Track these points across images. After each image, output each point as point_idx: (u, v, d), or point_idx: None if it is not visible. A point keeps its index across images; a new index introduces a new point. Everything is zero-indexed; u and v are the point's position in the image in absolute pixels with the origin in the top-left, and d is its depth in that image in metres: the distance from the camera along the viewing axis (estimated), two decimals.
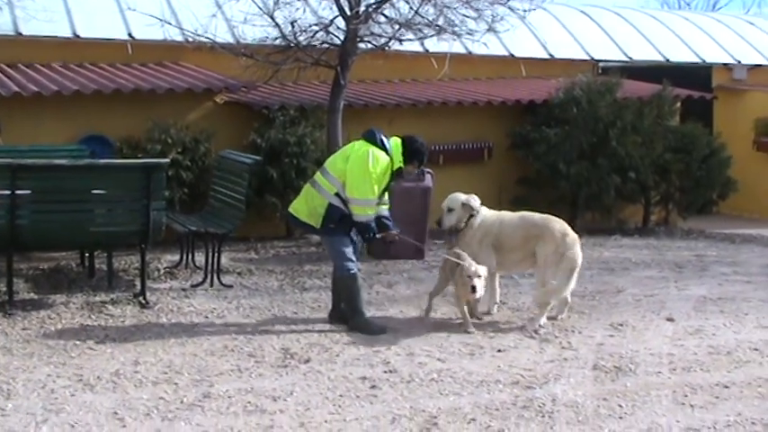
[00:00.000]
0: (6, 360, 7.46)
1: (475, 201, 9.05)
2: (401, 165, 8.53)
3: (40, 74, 13.08)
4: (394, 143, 8.56)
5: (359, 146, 8.49)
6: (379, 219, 8.58)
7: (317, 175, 8.67)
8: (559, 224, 8.88)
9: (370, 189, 8.32)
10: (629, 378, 7.30)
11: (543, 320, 8.72)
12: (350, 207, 8.37)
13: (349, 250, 8.53)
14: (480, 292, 8.43)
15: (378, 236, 8.59)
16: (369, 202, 8.37)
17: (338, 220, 8.42)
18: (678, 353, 7.99)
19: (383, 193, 8.58)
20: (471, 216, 8.97)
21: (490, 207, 9.26)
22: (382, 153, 8.42)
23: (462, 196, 9.05)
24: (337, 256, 8.55)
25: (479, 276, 8.38)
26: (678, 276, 11.32)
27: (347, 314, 8.58)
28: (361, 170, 8.30)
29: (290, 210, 8.85)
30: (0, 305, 8.99)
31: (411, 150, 8.57)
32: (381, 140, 8.50)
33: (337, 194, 8.41)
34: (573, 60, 17.58)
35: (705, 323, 9.00)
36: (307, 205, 8.61)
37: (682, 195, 15.72)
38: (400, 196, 11.54)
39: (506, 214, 9.12)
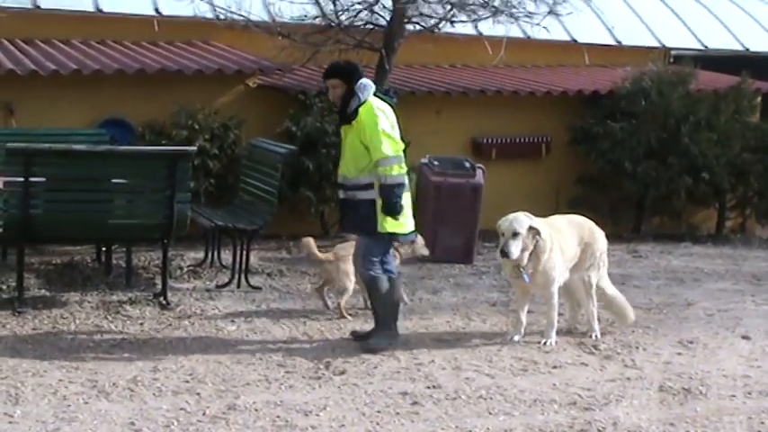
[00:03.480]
0: (15, 362, 7.50)
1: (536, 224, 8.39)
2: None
3: (58, 51, 13.16)
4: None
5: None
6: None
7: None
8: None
9: (396, 141, 8.09)
10: (699, 402, 7.22)
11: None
12: (383, 171, 7.99)
13: None
14: None
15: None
16: (399, 158, 8.07)
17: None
18: (755, 375, 7.90)
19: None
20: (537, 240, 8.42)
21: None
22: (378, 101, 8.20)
23: (527, 219, 8.37)
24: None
25: None
26: (755, 290, 11.19)
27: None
28: (378, 127, 8.05)
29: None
30: (9, 302, 9.07)
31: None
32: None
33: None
34: (642, 47, 17.39)
35: None
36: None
37: (761, 200, 15.55)
38: (448, 194, 11.58)
39: (553, 220, 8.94)
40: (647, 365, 8.04)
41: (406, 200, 8.15)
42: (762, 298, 10.71)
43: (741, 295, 10.84)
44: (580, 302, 8.95)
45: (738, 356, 8.42)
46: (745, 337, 9.01)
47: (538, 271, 8.41)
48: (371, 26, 12.54)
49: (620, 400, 7.18)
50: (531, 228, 8.28)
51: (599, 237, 8.92)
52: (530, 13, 12.82)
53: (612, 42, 17.53)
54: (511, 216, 8.41)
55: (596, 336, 8.74)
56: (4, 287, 9.52)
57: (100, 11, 14.25)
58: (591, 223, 9.00)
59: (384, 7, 12.43)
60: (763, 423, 6.83)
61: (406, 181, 8.15)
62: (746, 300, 10.61)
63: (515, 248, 8.24)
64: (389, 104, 8.29)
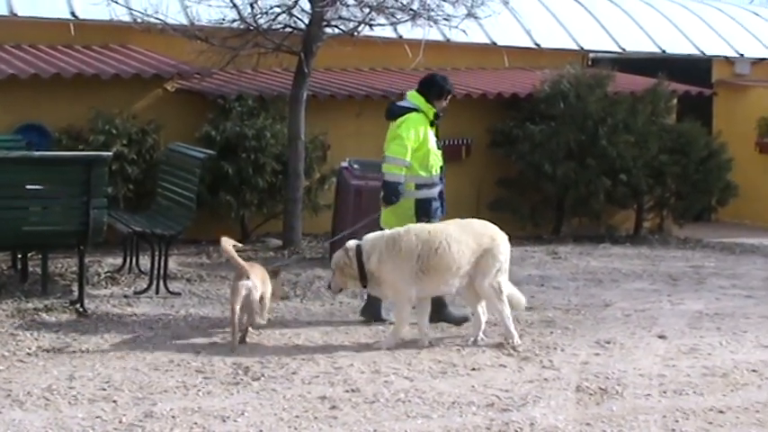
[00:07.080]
0: None
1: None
2: (433, 110, 9.11)
3: None
4: (410, 96, 9.16)
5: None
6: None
7: None
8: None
9: (402, 149, 8.84)
10: (615, 401, 7.30)
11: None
12: (383, 166, 8.99)
13: None
14: None
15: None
16: (398, 161, 8.86)
17: (430, 208, 9.01)
18: (670, 374, 8.00)
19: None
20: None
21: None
22: (410, 114, 8.99)
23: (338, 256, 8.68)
24: None
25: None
26: (672, 289, 11.36)
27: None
28: (394, 134, 8.95)
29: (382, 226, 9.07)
30: None
31: (428, 89, 9.13)
32: (401, 107, 9.11)
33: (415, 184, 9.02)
34: (560, 50, 17.63)
35: (700, 341, 9.02)
36: (395, 215, 9.02)
37: (677, 201, 15.79)
38: (369, 197, 11.54)
39: (442, 226, 8.80)
40: (564, 366, 8.11)
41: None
42: (678, 297, 10.87)
43: (658, 295, 10.99)
44: (493, 310, 8.82)
45: (654, 356, 8.52)
46: (661, 337, 9.12)
47: (380, 284, 8.54)
48: (290, 29, 12.53)
49: (537, 400, 7.24)
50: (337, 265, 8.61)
51: (501, 242, 8.69)
52: (448, 15, 12.89)
53: (531, 45, 17.71)
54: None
55: (515, 339, 8.73)
56: None
57: (14, 14, 14.11)
58: (492, 229, 8.75)
59: (303, 10, 12.42)
60: (677, 421, 6.92)
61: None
62: (663, 299, 10.76)
63: (334, 284, 8.79)
64: None
